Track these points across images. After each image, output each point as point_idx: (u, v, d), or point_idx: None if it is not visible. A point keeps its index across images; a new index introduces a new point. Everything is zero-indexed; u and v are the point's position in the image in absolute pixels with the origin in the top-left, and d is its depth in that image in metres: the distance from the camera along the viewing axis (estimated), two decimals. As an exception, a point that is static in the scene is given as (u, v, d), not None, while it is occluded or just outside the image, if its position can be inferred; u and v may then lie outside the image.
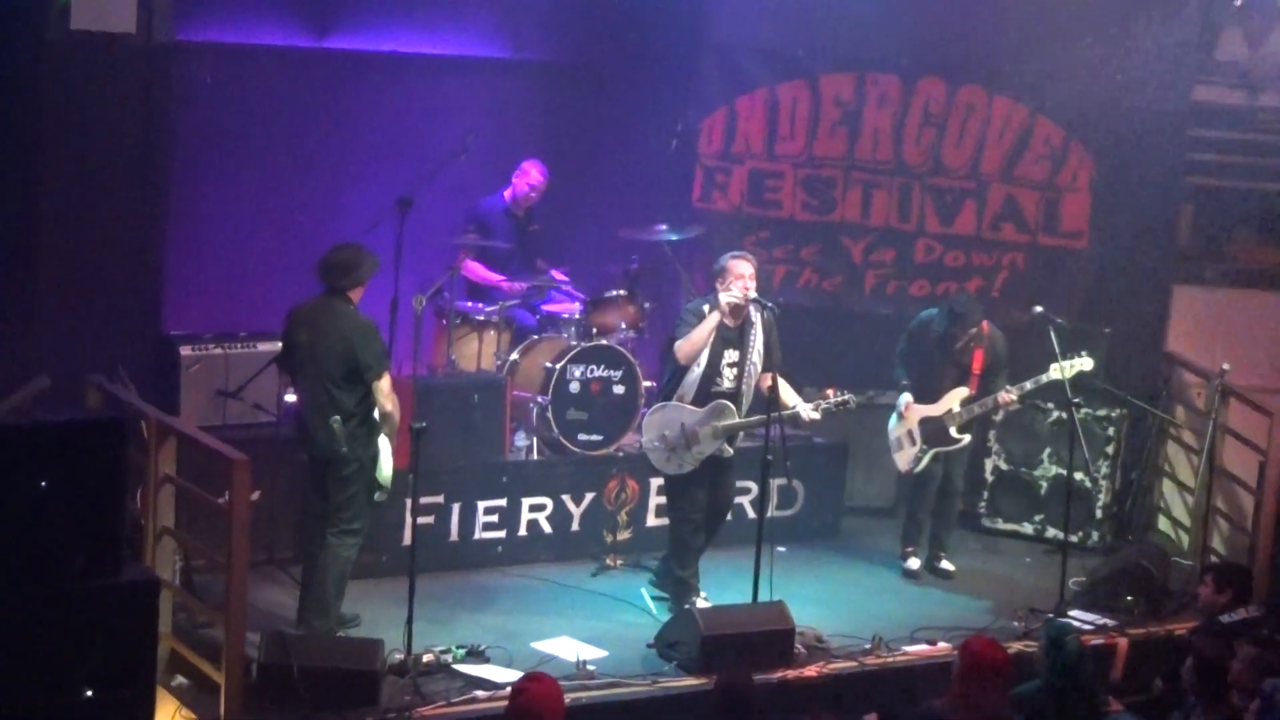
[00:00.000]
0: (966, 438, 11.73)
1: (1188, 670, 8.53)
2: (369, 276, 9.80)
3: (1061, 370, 11.43)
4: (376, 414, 9.68)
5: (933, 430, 11.68)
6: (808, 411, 10.56)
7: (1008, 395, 11.60)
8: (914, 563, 11.85)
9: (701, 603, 10.51)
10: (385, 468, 9.78)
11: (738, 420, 10.51)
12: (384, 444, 9.77)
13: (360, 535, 9.90)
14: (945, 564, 11.95)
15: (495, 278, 12.23)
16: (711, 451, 10.53)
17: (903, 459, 11.78)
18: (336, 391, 9.63)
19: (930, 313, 11.92)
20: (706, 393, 10.47)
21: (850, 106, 13.61)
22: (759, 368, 10.51)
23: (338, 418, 9.60)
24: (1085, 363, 11.48)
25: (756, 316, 10.51)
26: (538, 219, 12.60)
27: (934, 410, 11.68)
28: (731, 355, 10.49)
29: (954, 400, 11.66)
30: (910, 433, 11.71)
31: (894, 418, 11.80)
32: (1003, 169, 13.52)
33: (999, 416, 12.24)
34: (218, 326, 11.50)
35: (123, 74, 11.01)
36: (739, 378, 10.50)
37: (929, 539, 12.02)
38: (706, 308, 10.49)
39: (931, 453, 11.72)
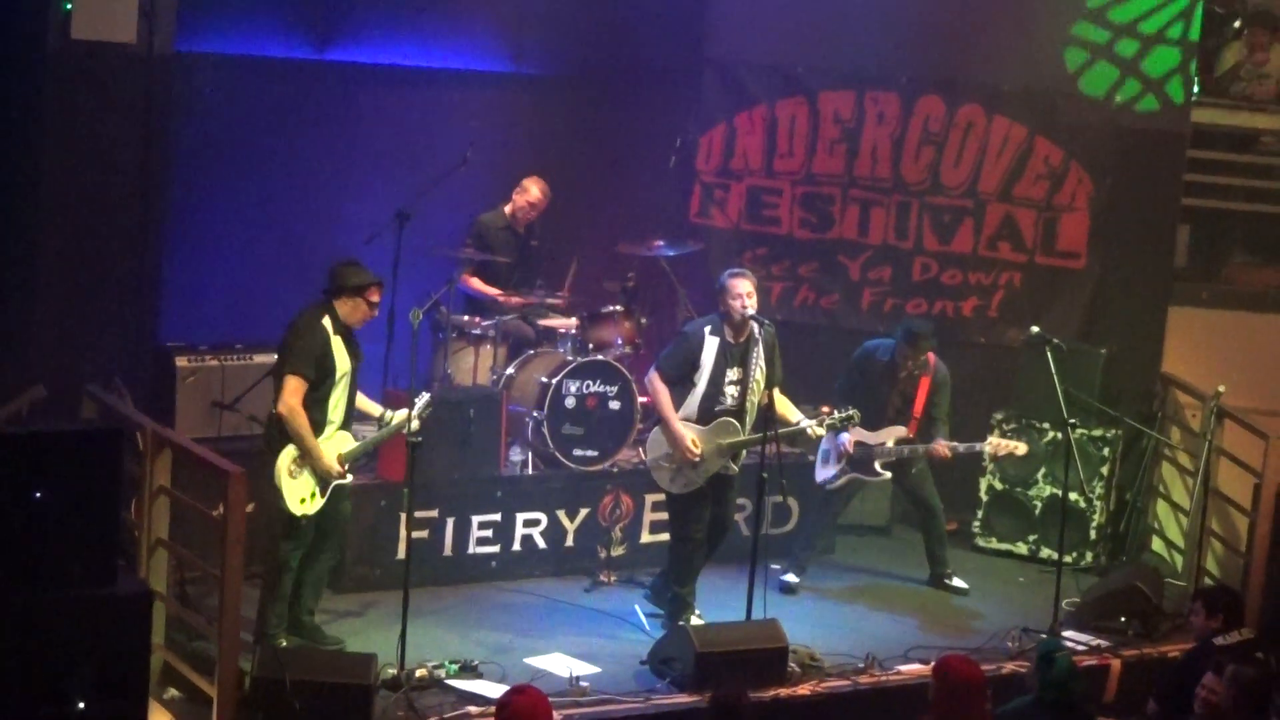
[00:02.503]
0: (887, 475, 11.75)
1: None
2: (349, 284, 9.80)
3: (994, 448, 11.73)
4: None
5: (860, 456, 11.68)
6: (813, 428, 10.58)
7: (944, 450, 11.65)
8: (792, 577, 11.77)
9: (696, 620, 10.50)
10: (281, 474, 9.62)
11: (742, 438, 10.50)
12: (285, 454, 9.64)
13: (286, 541, 9.77)
14: (956, 581, 11.98)
15: (492, 291, 12.23)
16: (717, 469, 10.53)
17: (824, 471, 11.76)
18: (276, 384, 9.75)
19: (875, 342, 11.94)
20: (710, 411, 10.46)
21: (849, 124, 13.63)
22: (761, 385, 10.50)
23: (273, 409, 9.74)
24: (1020, 447, 11.73)
25: (759, 333, 10.50)
26: (538, 235, 12.58)
27: (869, 438, 11.68)
28: (734, 374, 10.48)
29: (890, 436, 11.69)
30: (839, 449, 11.70)
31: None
32: (1001, 188, 13.53)
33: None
34: (214, 338, 11.48)
35: (123, 84, 11.00)
36: (742, 395, 10.49)
37: (930, 559, 12.04)
38: (708, 329, 10.48)
39: (850, 477, 11.75)
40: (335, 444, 9.80)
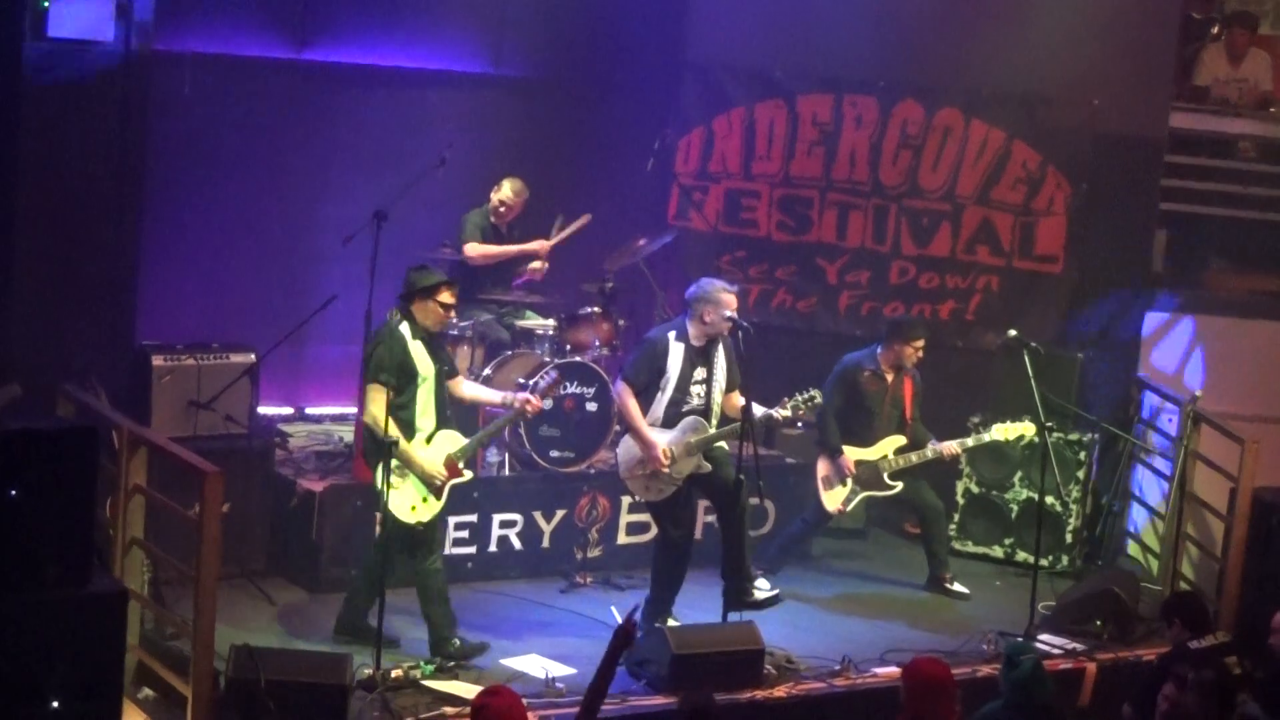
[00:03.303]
0: (899, 486, 11.80)
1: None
2: (417, 287, 9.90)
3: (1005, 433, 11.81)
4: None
5: (866, 474, 11.73)
6: (779, 411, 10.55)
7: (952, 448, 11.76)
8: (764, 584, 11.75)
9: (672, 621, 10.49)
10: (379, 481, 9.69)
11: (711, 432, 10.49)
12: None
13: (382, 550, 9.84)
14: (956, 586, 12.01)
15: (509, 248, 12.26)
16: (691, 469, 10.51)
17: (833, 499, 11.76)
18: (361, 395, 9.90)
19: (855, 356, 11.96)
20: (677, 413, 10.46)
21: (828, 128, 13.65)
22: (723, 382, 10.51)
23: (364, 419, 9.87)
24: (1028, 428, 11.77)
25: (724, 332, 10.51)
26: (516, 237, 12.53)
27: (868, 454, 11.73)
28: (700, 373, 10.48)
29: (889, 447, 11.75)
30: (841, 473, 11.71)
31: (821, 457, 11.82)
32: (979, 192, 13.55)
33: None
34: (191, 337, 11.45)
35: (100, 83, 10.96)
36: (708, 394, 10.48)
37: (931, 563, 12.06)
38: (673, 335, 10.45)
39: (863, 495, 11.78)
40: (442, 445, 9.88)
